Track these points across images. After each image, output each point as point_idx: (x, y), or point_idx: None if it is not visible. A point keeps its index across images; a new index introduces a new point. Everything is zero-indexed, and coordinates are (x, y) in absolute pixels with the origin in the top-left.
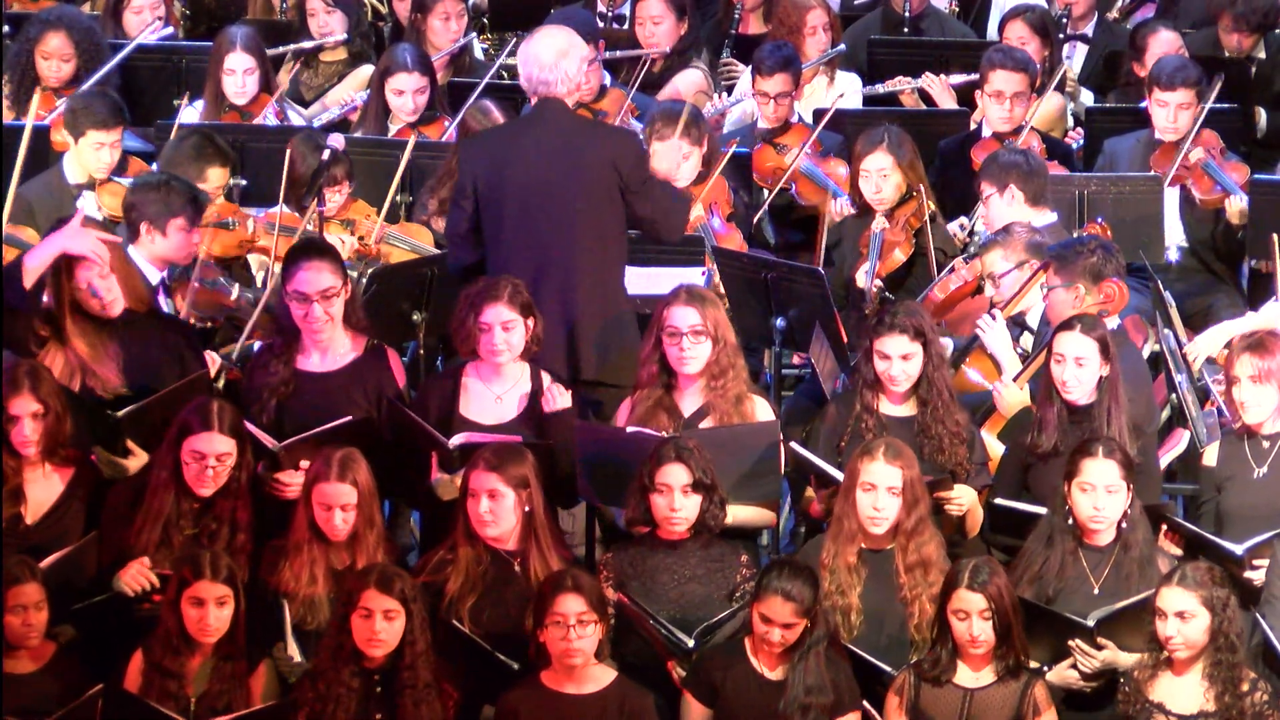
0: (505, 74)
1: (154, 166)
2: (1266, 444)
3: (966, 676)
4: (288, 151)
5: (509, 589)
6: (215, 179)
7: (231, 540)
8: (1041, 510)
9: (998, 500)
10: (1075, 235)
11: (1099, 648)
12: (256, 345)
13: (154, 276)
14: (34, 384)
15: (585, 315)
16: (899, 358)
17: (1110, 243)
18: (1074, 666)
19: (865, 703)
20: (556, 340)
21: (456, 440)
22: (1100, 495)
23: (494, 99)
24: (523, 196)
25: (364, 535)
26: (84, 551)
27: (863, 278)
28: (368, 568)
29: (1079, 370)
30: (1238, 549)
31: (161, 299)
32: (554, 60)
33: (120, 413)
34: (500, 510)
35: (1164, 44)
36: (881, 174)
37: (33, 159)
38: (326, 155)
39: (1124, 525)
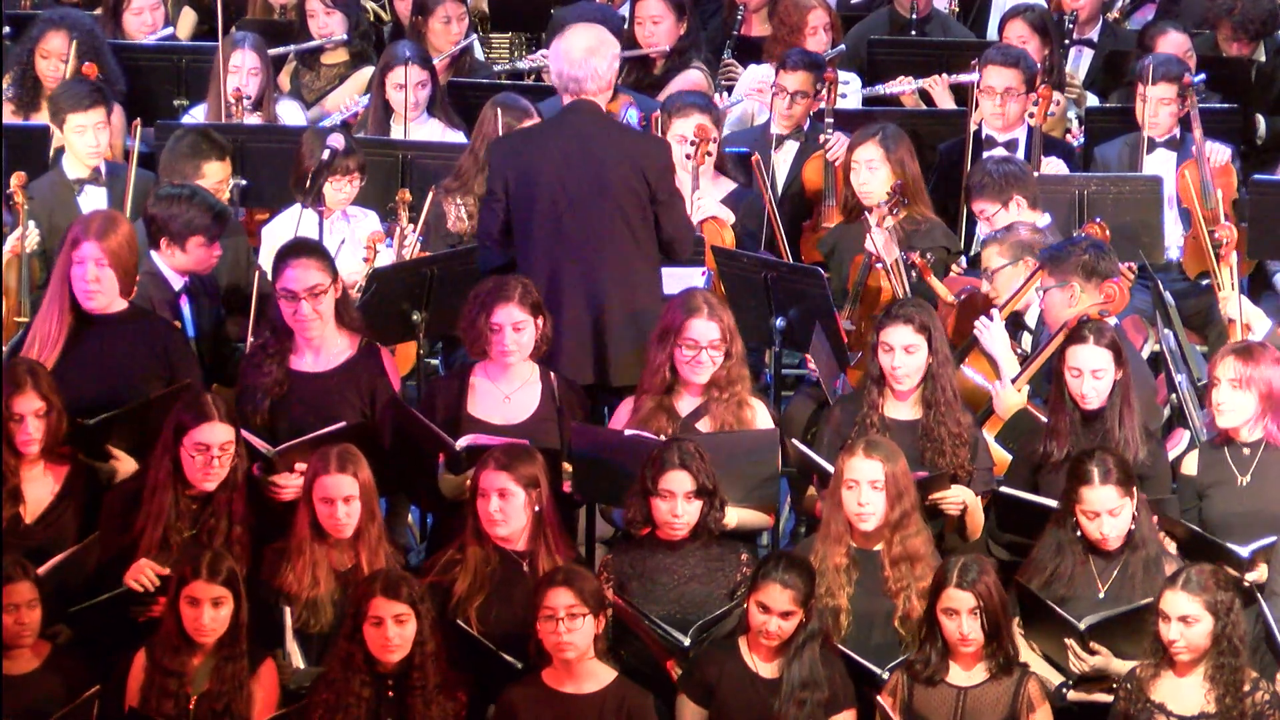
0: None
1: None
2: (1247, 451)
3: (959, 675)
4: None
5: (517, 589)
6: (213, 174)
7: (229, 533)
8: (1050, 503)
9: (1004, 490)
10: (1076, 235)
11: (1091, 651)
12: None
13: (176, 283)
14: (35, 381)
15: (613, 319)
16: (902, 349)
17: (1101, 241)
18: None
19: (880, 697)
20: (583, 344)
21: (463, 441)
22: (1105, 521)
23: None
24: (551, 198)
25: (366, 531)
26: (85, 553)
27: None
28: (372, 575)
29: (1096, 382)
30: (1243, 551)
31: (184, 305)
32: (583, 57)
33: (92, 421)
34: (510, 509)
35: (1172, 45)
36: (869, 165)
37: (34, 159)
38: (326, 155)
39: (1132, 528)
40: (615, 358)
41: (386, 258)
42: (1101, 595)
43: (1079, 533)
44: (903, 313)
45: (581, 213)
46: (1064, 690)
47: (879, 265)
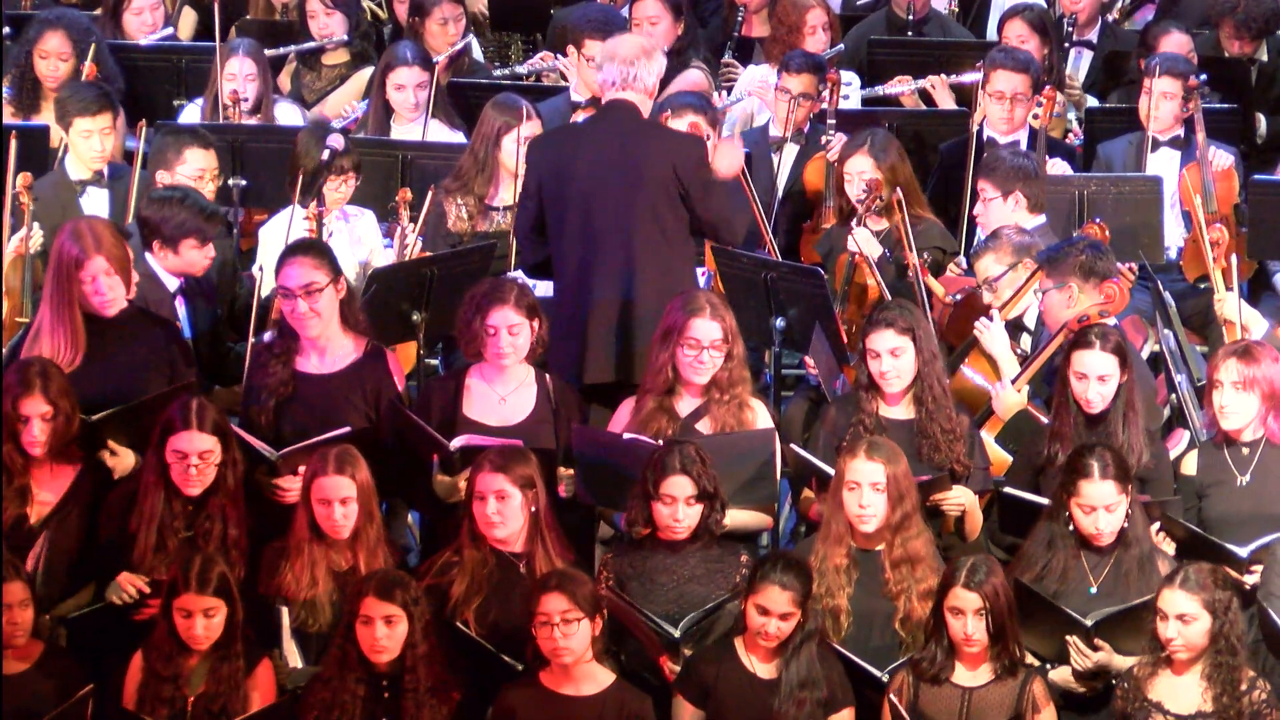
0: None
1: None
2: (1247, 451)
3: (964, 675)
4: (295, 144)
5: (514, 590)
6: (195, 160)
7: (224, 538)
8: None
9: (1006, 490)
10: (1074, 236)
11: (1095, 648)
12: None
13: (171, 284)
14: (45, 385)
15: (642, 318)
16: (888, 353)
17: (1098, 241)
18: (1068, 662)
19: (892, 696)
20: (611, 342)
21: (458, 442)
22: (1101, 516)
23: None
24: (583, 197)
25: (364, 532)
26: (57, 540)
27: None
28: (369, 575)
29: (1102, 387)
30: (1242, 551)
31: (179, 305)
32: (631, 55)
33: (94, 417)
34: (508, 511)
35: (1175, 45)
36: (862, 176)
37: (34, 160)
38: (326, 155)
39: (1125, 525)
40: (641, 355)
41: (387, 258)
42: (1094, 590)
43: (1071, 527)
44: (885, 317)
45: (613, 210)
46: (1047, 668)
47: (864, 262)
